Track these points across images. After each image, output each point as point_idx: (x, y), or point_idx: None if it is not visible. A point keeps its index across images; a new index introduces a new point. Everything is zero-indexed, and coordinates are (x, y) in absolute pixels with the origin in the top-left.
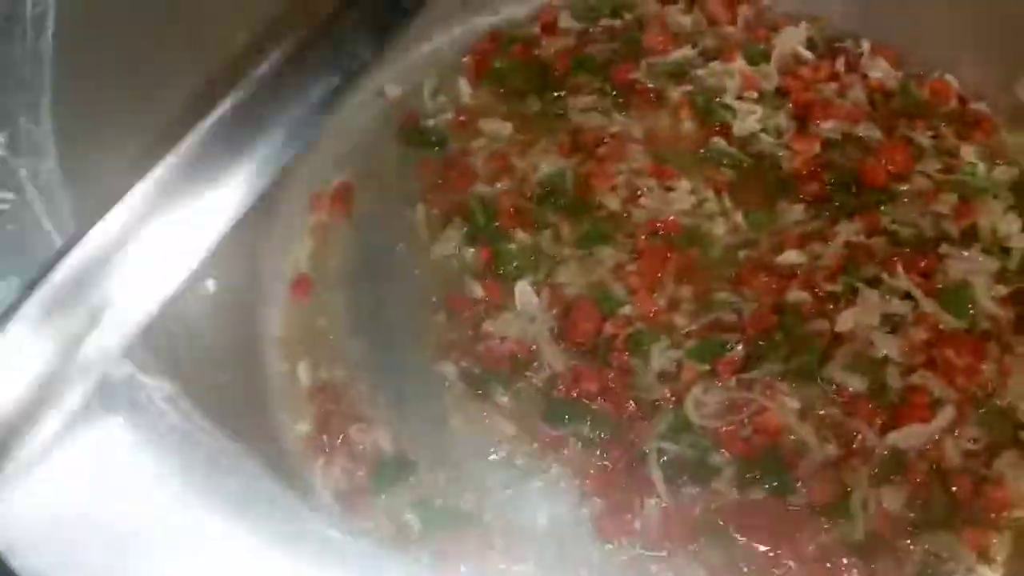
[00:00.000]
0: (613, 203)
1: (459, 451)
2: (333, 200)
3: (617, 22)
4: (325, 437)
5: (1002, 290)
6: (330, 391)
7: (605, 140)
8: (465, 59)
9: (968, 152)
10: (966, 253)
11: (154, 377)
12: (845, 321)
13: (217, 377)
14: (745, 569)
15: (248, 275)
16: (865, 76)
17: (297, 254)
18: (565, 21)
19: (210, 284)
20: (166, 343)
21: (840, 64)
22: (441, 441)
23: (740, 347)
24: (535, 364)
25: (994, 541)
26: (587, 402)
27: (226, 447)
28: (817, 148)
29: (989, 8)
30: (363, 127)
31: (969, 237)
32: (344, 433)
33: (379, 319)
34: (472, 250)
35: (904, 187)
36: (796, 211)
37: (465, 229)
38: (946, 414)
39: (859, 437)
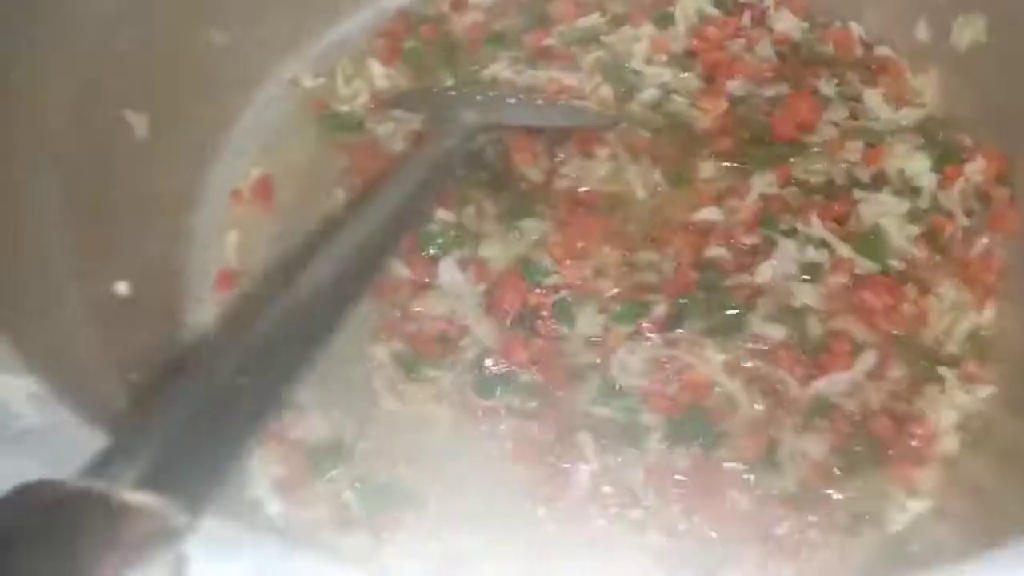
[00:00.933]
0: (534, 175)
1: (394, 431)
2: (254, 193)
3: None
4: None
5: (914, 230)
6: None
7: None
8: (376, 42)
9: (872, 97)
10: (877, 196)
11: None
12: (763, 273)
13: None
14: (681, 527)
15: (169, 274)
16: (771, 30)
17: (221, 249)
18: None
19: (122, 287)
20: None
21: (746, 19)
22: (376, 423)
23: (663, 306)
24: (465, 340)
25: (921, 475)
26: (517, 372)
27: None
28: (725, 105)
29: None
30: (279, 118)
31: (879, 181)
32: (278, 422)
33: None
34: None
35: (813, 137)
36: (710, 168)
37: None
38: (867, 358)
39: (784, 388)
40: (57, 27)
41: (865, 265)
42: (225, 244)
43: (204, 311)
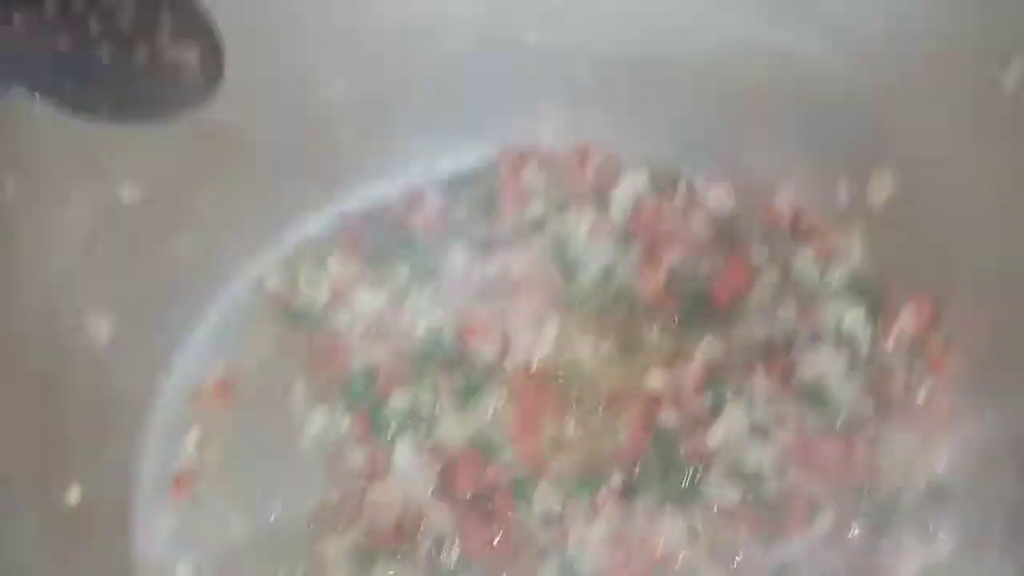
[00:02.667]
0: (487, 353)
1: None
2: (215, 390)
3: (476, 191)
4: None
5: (858, 378)
6: None
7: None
8: (338, 237)
9: (801, 259)
10: (816, 353)
11: None
12: (715, 435)
13: None
14: None
15: (125, 478)
16: (703, 207)
17: (179, 448)
18: (431, 196)
19: (73, 495)
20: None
21: (679, 198)
22: None
23: (619, 476)
24: (421, 529)
25: None
26: (476, 559)
27: None
28: (663, 277)
29: (806, 131)
30: (243, 316)
31: (817, 338)
32: None
33: (265, 503)
34: (348, 419)
35: (749, 302)
36: (655, 335)
37: (343, 400)
38: (826, 518)
39: (747, 553)
40: (32, 241)
41: (813, 421)
42: (184, 443)
43: (159, 518)
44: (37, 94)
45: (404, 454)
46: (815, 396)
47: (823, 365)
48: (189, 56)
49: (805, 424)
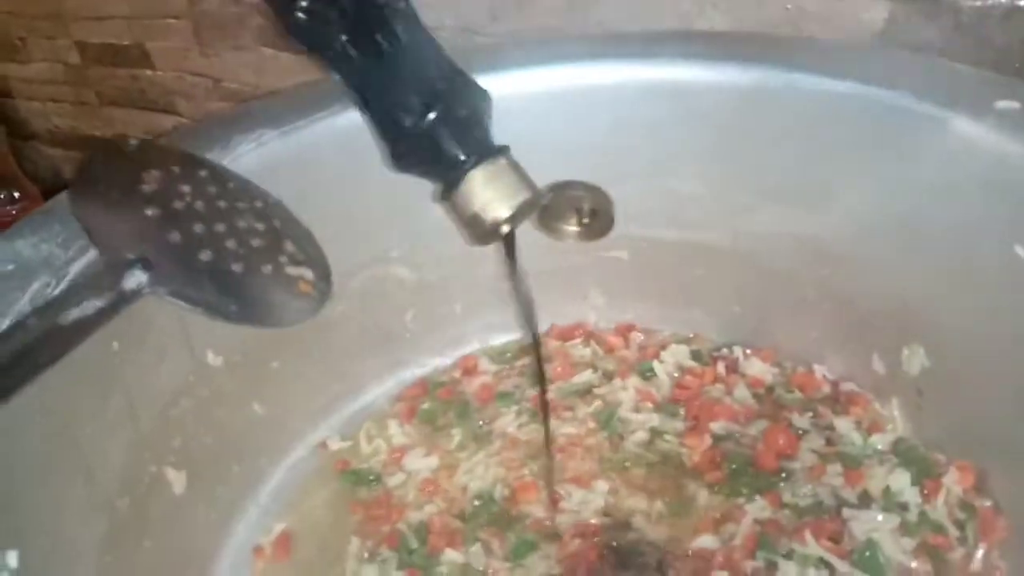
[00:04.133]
0: (538, 511)
1: None
2: (275, 548)
3: (526, 361)
4: None
5: (910, 543)
6: None
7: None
8: (396, 405)
9: (844, 424)
10: (867, 513)
11: None
12: None
13: None
14: None
15: None
16: (744, 375)
17: None
18: (484, 364)
19: None
20: None
21: (721, 367)
22: None
23: None
24: None
25: None
26: None
27: None
28: (709, 441)
29: (839, 308)
30: (305, 477)
31: (865, 499)
32: None
33: None
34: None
35: (795, 464)
36: (704, 497)
37: (396, 557)
38: None
39: None
40: (124, 399)
41: None
42: None
43: None
44: (181, 301)
45: None
46: (867, 557)
47: (874, 526)
48: (305, 275)
49: None
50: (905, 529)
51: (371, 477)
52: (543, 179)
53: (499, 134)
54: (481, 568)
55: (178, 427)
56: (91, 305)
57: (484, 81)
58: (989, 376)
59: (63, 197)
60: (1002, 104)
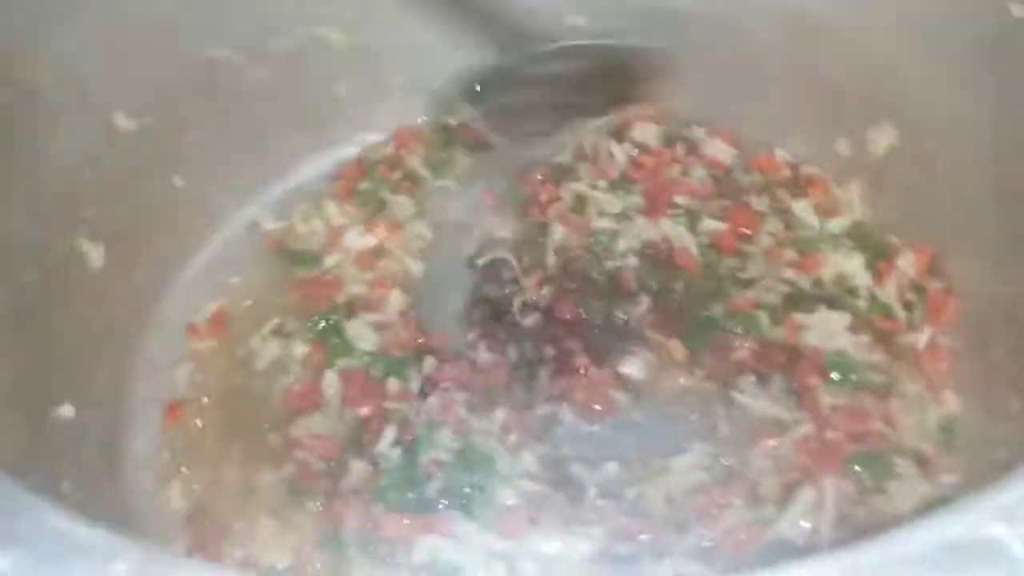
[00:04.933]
0: None
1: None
2: (209, 326)
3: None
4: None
5: (865, 339)
6: (201, 512)
7: None
8: (333, 184)
9: (802, 208)
10: (817, 316)
11: None
12: None
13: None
14: None
15: (117, 401)
16: (703, 156)
17: (172, 379)
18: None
19: (67, 410)
20: None
21: (680, 149)
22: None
23: None
24: None
25: None
26: None
27: None
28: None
29: (806, 87)
30: (238, 256)
31: (820, 285)
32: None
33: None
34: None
35: (754, 248)
36: None
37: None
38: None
39: None
40: (27, 163)
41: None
42: (176, 375)
43: (150, 440)
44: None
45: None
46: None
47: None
48: None
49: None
50: (856, 321)
51: (309, 257)
52: None
53: None
54: None
55: (90, 197)
56: None
57: None
58: (958, 156)
59: None
60: None
